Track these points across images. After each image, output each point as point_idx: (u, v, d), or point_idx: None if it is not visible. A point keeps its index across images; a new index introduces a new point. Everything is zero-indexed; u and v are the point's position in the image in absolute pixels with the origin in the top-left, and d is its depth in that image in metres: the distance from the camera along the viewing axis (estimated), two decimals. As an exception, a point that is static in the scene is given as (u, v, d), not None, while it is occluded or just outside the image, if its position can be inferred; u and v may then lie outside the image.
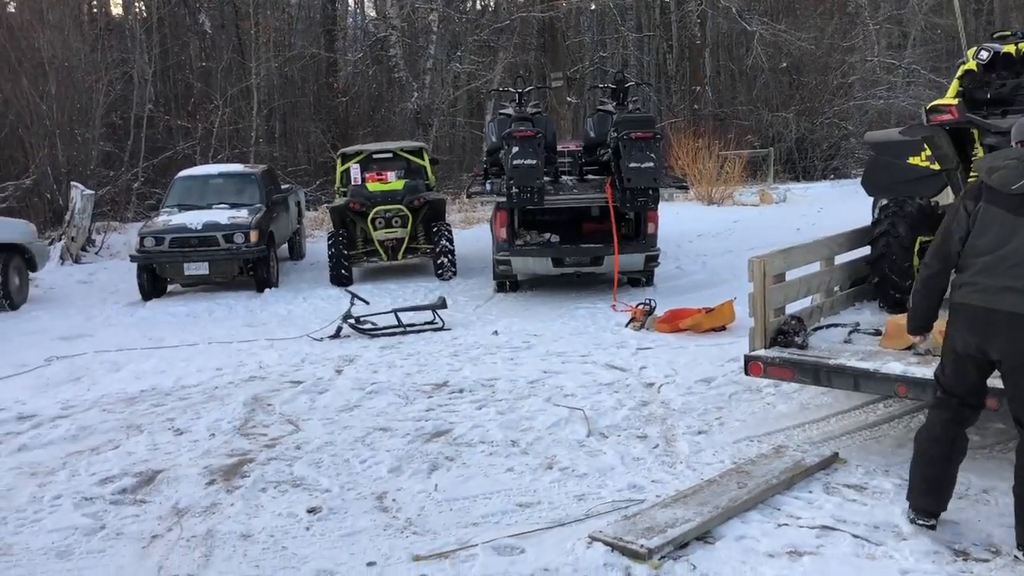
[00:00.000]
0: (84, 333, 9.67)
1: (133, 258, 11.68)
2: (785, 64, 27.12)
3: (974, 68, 5.76)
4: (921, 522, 3.93)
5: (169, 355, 8.33)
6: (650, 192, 9.65)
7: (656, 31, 31.64)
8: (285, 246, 14.21)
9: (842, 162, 25.56)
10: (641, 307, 8.78)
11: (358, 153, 13.08)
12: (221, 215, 11.88)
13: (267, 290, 11.67)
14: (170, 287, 12.05)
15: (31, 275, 12.00)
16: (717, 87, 29.47)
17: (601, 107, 11.48)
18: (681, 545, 3.82)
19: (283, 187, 14.69)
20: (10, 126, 18.17)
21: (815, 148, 26.01)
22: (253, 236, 11.55)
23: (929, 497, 3.94)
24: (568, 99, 24.77)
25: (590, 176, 10.94)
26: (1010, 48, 5.70)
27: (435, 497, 4.55)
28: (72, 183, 15.75)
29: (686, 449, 5.10)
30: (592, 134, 11.26)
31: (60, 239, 15.09)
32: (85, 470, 5.17)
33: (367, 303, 9.70)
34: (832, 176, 24.73)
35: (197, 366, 7.77)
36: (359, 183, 12.41)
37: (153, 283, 11.65)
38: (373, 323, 9.03)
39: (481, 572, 3.68)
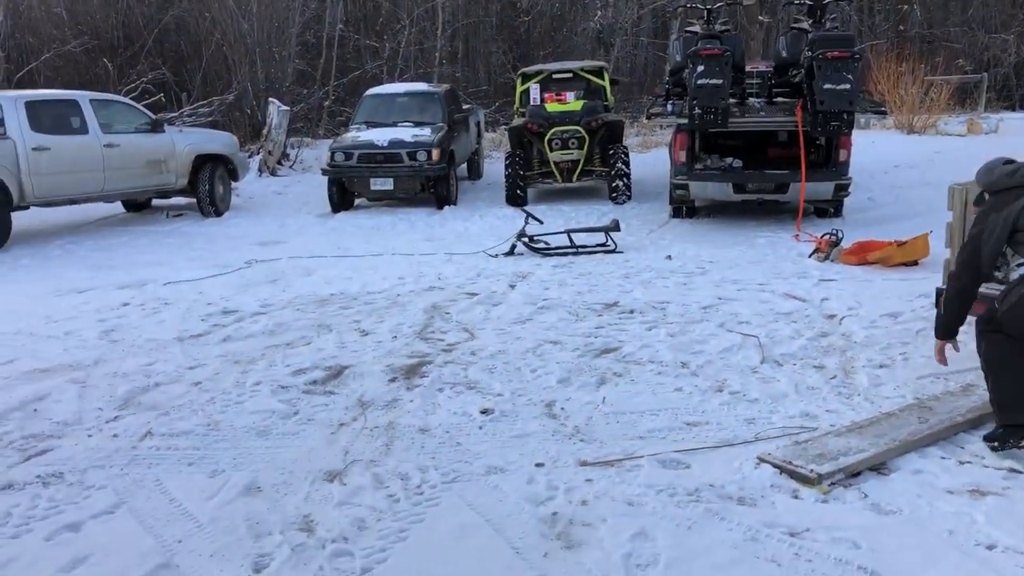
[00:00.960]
0: (279, 240, 10.41)
1: (324, 172, 12.36)
2: (1009, -21, 24.59)
3: None
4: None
5: (355, 263, 8.84)
6: (844, 116, 9.17)
7: (861, -56, 29.38)
8: (464, 165, 14.57)
9: (1069, 90, 23.14)
10: (827, 238, 8.45)
11: (538, 73, 13.12)
12: (406, 133, 12.31)
13: (446, 207, 12.07)
14: (357, 201, 12.68)
15: (233, 185, 12.96)
16: (926, 6, 27.16)
17: (795, 25, 10.91)
18: (853, 474, 3.75)
19: (464, 107, 14.99)
20: (216, 45, 19.41)
21: (1037, 74, 23.64)
22: (435, 154, 11.91)
23: None
24: (760, 18, 23.55)
25: (779, 98, 10.50)
26: None
27: (602, 409, 4.66)
28: (270, 99, 16.75)
29: (865, 382, 4.94)
30: (784, 54, 10.75)
31: (258, 152, 16.16)
32: (281, 361, 5.64)
33: (541, 223, 9.86)
34: (1056, 106, 22.47)
35: (381, 274, 8.22)
36: (538, 103, 12.48)
37: (342, 196, 12.30)
38: (546, 242, 9.18)
39: (646, 481, 3.76)
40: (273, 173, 15.77)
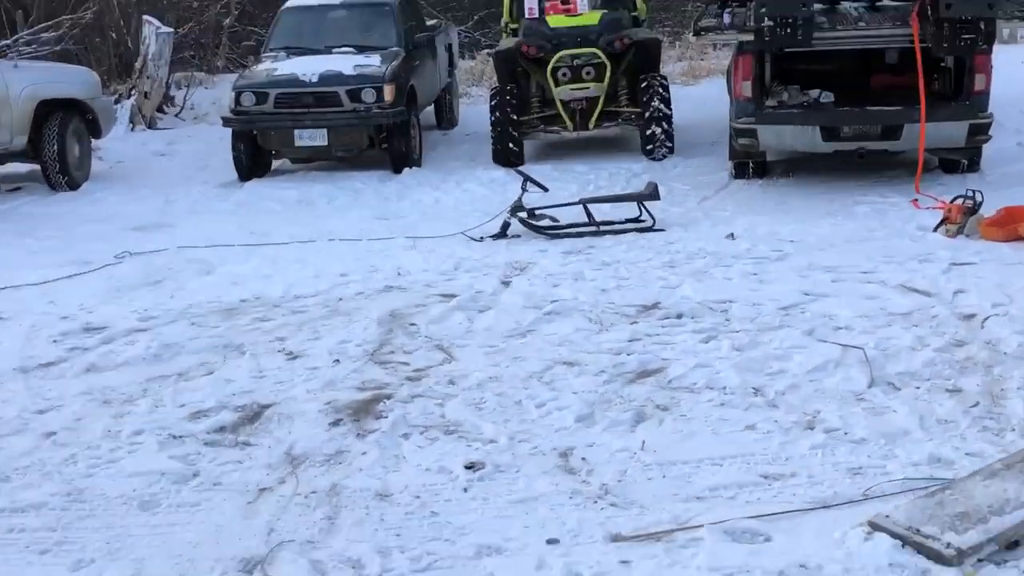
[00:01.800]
0: (164, 222, 10.42)
1: (226, 122, 12.35)
2: None
3: None
4: None
5: (276, 254, 8.86)
6: (981, 25, 9.21)
7: None
8: (431, 108, 14.58)
9: None
10: (959, 203, 8.49)
11: (536, -29, 13.12)
12: (344, 63, 12.29)
13: (406, 170, 12.08)
14: (276, 163, 12.67)
15: (94, 143, 12.93)
16: None
17: None
18: (1011, 544, 3.76)
19: (428, 23, 14.99)
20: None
21: None
22: (388, 93, 11.90)
23: None
24: None
25: (886, 3, 10.53)
26: None
27: (642, 458, 4.66)
28: (145, 18, 16.70)
29: (1021, 411, 4.96)
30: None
31: (130, 95, 16.13)
32: (171, 400, 5.63)
33: (546, 190, 9.86)
34: None
35: (314, 270, 8.22)
36: (536, 16, 12.48)
37: (254, 157, 12.30)
38: (553, 218, 9.19)
39: (708, 563, 3.76)
40: (151, 125, 15.78)
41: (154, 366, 6.22)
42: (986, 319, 6.28)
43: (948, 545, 3.70)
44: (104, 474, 4.78)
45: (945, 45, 9.46)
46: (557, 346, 6.24)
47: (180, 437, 5.15)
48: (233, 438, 5.14)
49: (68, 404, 5.64)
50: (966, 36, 9.30)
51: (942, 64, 10.22)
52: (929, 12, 9.46)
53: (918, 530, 3.81)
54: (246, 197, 11.47)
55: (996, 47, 9.92)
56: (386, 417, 5.25)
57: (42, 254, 9.20)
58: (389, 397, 5.53)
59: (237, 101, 12.16)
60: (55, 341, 6.76)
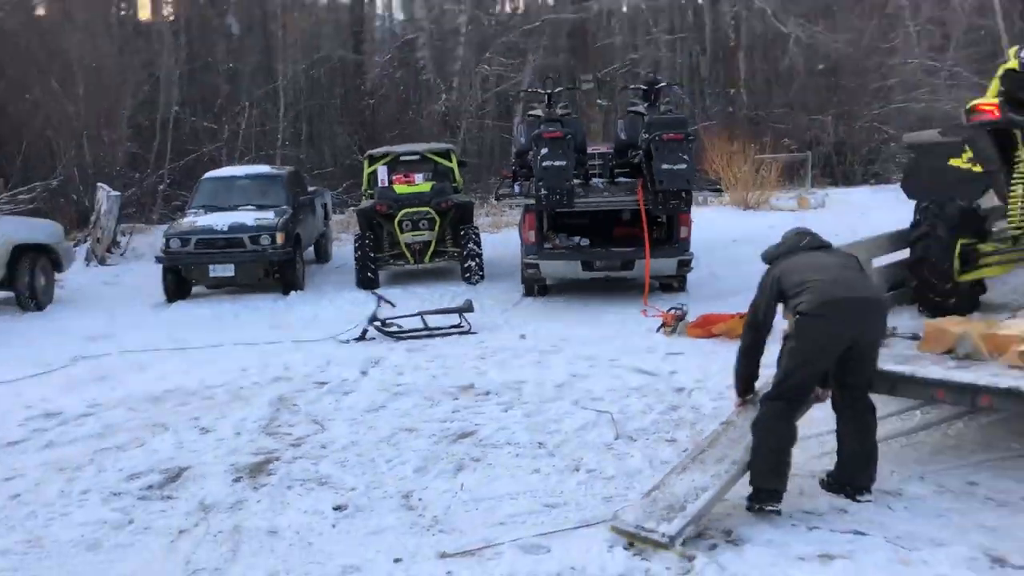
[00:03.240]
0: (109, 334, 9.86)
1: (158, 259, 11.88)
2: (822, 66, 26.97)
3: (1016, 68, 5.76)
4: (771, 507, 4.18)
5: (194, 356, 8.48)
6: (683, 194, 9.67)
7: (689, 33, 31.56)
8: (311, 249, 14.38)
9: (883, 167, 25.37)
10: (673, 312, 8.80)
11: (385, 155, 13.21)
12: (247, 216, 12.05)
13: (293, 292, 11.82)
14: (195, 289, 12.24)
15: (57, 276, 12.24)
16: (752, 90, 29.34)
17: (632, 108, 11.51)
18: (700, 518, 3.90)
19: (310, 189, 14.87)
20: (38, 127, 18.56)
21: (854, 152, 25.86)
22: (279, 238, 11.70)
23: (782, 479, 4.23)
24: (599, 101, 24.79)
25: (621, 178, 10.98)
26: (1053, 47, 5.70)
27: (461, 496, 4.62)
28: (99, 184, 16.07)
29: (687, 441, 5.11)
30: (623, 136, 11.29)
31: (86, 240, 15.39)
32: (112, 466, 5.30)
33: (393, 305, 9.82)
34: (872, 181, 24.55)
35: (222, 367, 7.90)
36: (386, 185, 12.53)
37: (178, 285, 11.84)
38: (399, 326, 9.12)
39: (507, 570, 3.74)
40: (102, 262, 15.03)
41: (99, 441, 5.85)
42: (692, 391, 6.48)
43: (663, 535, 3.79)
44: (58, 524, 4.46)
45: (660, 207, 9.87)
46: (401, 417, 6.16)
47: (118, 494, 4.84)
48: (159, 493, 4.86)
49: (30, 473, 5.25)
50: (673, 201, 9.71)
51: (659, 220, 10.63)
52: (649, 185, 9.91)
53: (642, 526, 3.87)
54: (172, 315, 10.98)
55: (694, 208, 10.39)
56: (274, 474, 5.06)
57: (13, 360, 8.53)
58: (277, 459, 5.34)
59: (167, 245, 11.74)
60: (20, 425, 6.29)
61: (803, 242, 4.67)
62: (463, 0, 24.52)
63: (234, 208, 12.47)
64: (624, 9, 31.19)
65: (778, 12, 26.62)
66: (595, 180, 10.94)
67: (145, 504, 4.68)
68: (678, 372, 7.06)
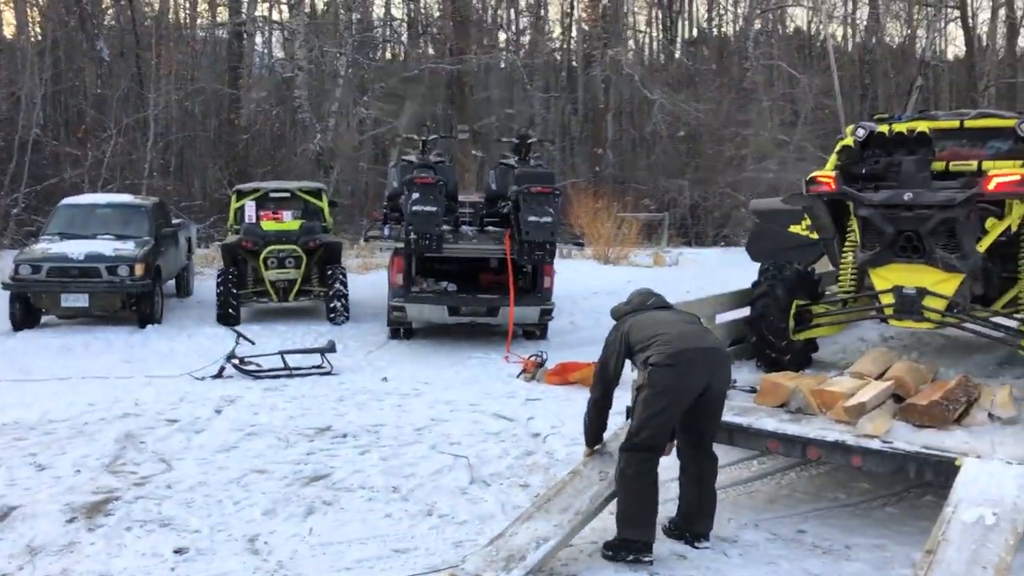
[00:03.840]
0: (-56, 362, 9.13)
1: (6, 285, 11.12)
2: (683, 133, 28.23)
3: (851, 144, 6.16)
4: (645, 558, 4.22)
5: (37, 388, 7.95)
6: (547, 246, 9.83)
7: (562, 93, 32.53)
8: (172, 282, 13.80)
9: (733, 230, 26.59)
10: (533, 359, 8.88)
11: (254, 191, 12.90)
12: (106, 246, 11.47)
13: (149, 326, 11.27)
14: (45, 318, 11.51)
15: None
16: (618, 150, 30.39)
17: (503, 161, 11.68)
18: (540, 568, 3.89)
19: (175, 221, 14.31)
20: None
21: (708, 215, 27.05)
22: (138, 269, 11.18)
23: (651, 530, 4.29)
24: (474, 152, 25.07)
25: (490, 227, 11.08)
26: (884, 128, 6.13)
27: (309, 541, 4.47)
28: (-56, 204, 14.98)
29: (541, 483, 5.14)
30: (493, 186, 11.42)
31: (-74, 262, 14.26)
32: (-69, 505, 4.87)
33: (253, 343, 9.49)
34: (723, 243, 25.71)
35: (67, 400, 7.43)
36: (253, 221, 12.20)
37: (26, 313, 11.11)
38: (258, 364, 8.84)
39: (351, 616, 3.62)
40: (-57, 286, 13.95)
41: (-81, 477, 5.37)
42: (547, 436, 6.53)
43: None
44: None
45: (525, 257, 9.99)
46: (253, 458, 5.93)
47: (-65, 535, 4.44)
48: (-18, 535, 4.48)
49: None
50: (538, 252, 9.85)
51: (524, 269, 10.75)
52: (516, 236, 10.03)
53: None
54: (17, 343, 10.26)
55: (558, 260, 10.58)
56: (113, 514, 4.77)
57: None
58: (118, 499, 5.03)
59: (16, 270, 11.01)
60: None
61: (649, 301, 4.80)
62: (344, 43, 24.40)
63: (93, 236, 11.85)
64: (502, 65, 31.86)
65: (645, 79, 27.78)
66: (465, 227, 10.99)
67: (-35, 546, 4.31)
68: (535, 417, 7.11)
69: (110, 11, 26.54)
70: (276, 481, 5.42)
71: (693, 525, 4.51)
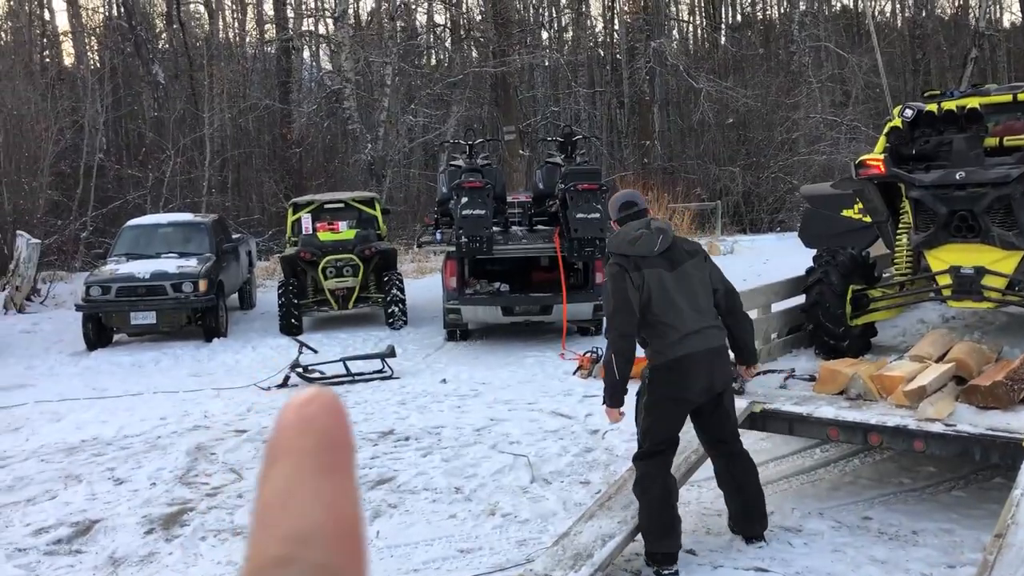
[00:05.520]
0: (25, 383, 9.49)
1: (78, 307, 11.52)
2: (731, 120, 27.87)
3: (899, 125, 6.03)
4: (667, 571, 4.06)
5: (112, 405, 8.21)
6: (597, 242, 9.82)
7: (607, 87, 32.38)
8: (235, 296, 14.12)
9: (787, 215, 26.17)
10: (589, 355, 8.88)
11: (309, 203, 13.13)
12: (170, 264, 11.80)
13: (215, 340, 11.57)
14: (116, 336, 11.88)
15: (-28, 325, 11.76)
16: (666, 141, 30.13)
17: (549, 159, 11.71)
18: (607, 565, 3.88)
19: (234, 237, 14.65)
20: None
21: (761, 201, 26.66)
22: (202, 285, 11.48)
23: (674, 539, 4.10)
24: (520, 152, 25.11)
25: (539, 226, 11.11)
26: (932, 107, 5.99)
27: (376, 544, 4.55)
28: (18, 232, 15.54)
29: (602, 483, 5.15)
30: (541, 186, 11.46)
31: (4, 288, 14.83)
32: (20, 520, 5.08)
33: (316, 352, 9.66)
34: (778, 228, 25.32)
35: (140, 416, 7.66)
36: (310, 232, 12.43)
37: (99, 332, 11.48)
38: (321, 372, 9.00)
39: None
40: (20, 310, 14.48)
41: (7, 495, 5.60)
42: (605, 432, 6.53)
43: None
44: (-43, 584, 4.24)
45: (576, 255, 10.01)
46: (320, 464, 6.05)
47: (24, 549, 4.63)
48: (68, 547, 4.67)
49: (-69, 529, 4.99)
50: (588, 249, 9.86)
51: (575, 266, 10.76)
52: (565, 233, 10.05)
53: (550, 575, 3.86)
54: (92, 363, 10.62)
55: (609, 255, 10.54)
56: (188, 525, 4.91)
57: (-80, 410, 8.16)
58: (192, 509, 5.19)
59: (87, 292, 11.39)
60: (-75, 479, 5.99)
61: (638, 233, 4.17)
62: (389, 53, 24.66)
63: (157, 256, 12.22)
64: (546, 64, 31.85)
65: (690, 68, 27.50)
66: (514, 228, 11.05)
67: (51, 559, 4.49)
68: (593, 414, 7.09)
69: (163, 35, 27.23)
70: (342, 486, 5.53)
71: (743, 528, 4.40)
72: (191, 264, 11.82)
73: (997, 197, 5.15)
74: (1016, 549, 3.41)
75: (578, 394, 7.88)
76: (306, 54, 30.96)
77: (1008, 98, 6.12)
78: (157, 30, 27.15)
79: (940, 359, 5.22)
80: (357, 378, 8.90)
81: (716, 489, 5.11)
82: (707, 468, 5.32)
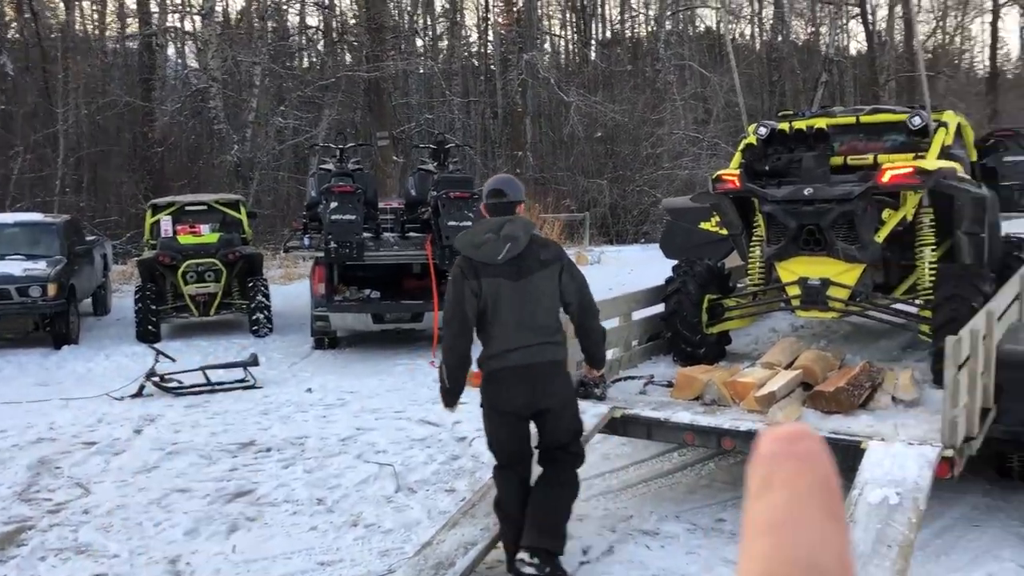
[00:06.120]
0: None
1: (-91, 311, 10.63)
2: (600, 134, 28.54)
3: (754, 143, 6.31)
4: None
5: (-56, 417, 7.59)
6: (468, 250, 9.79)
7: (481, 97, 32.57)
8: (89, 301, 13.37)
9: (651, 227, 26.98)
10: (477, 371, 8.82)
11: (170, 205, 12.59)
12: (15, 267, 11.04)
13: (65, 347, 10.90)
14: (-48, 344, 11.02)
15: None
16: (538, 153, 30.56)
17: (422, 166, 11.65)
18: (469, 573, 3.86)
19: (89, 239, 13.87)
20: None
21: (627, 213, 27.39)
22: (51, 289, 10.80)
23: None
24: (394, 158, 24.89)
25: (411, 233, 11.03)
26: (784, 126, 6.30)
27: (232, 559, 4.38)
28: None
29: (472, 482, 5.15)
30: (413, 192, 11.37)
31: None
32: None
33: (173, 360, 9.23)
34: (643, 240, 26.07)
35: (-24, 429, 7.12)
36: (170, 235, 11.91)
37: (-68, 339, 10.63)
38: (179, 381, 8.61)
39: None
40: None
41: None
42: (473, 440, 6.50)
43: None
44: None
45: (448, 262, 9.92)
46: (175, 478, 5.78)
47: None
48: None
49: None
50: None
51: (448, 274, 10.69)
52: (437, 240, 10.01)
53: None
54: (-77, 371, 9.82)
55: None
56: (26, 544, 4.59)
57: None
58: (31, 528, 4.85)
59: (-81, 296, 10.53)
60: None
61: (486, 237, 4.00)
62: (259, 53, 23.97)
63: (1, 258, 11.41)
64: (421, 71, 31.74)
65: (561, 82, 28.00)
66: (387, 234, 10.92)
67: None
68: (462, 421, 7.03)
69: (13, 24, 25.55)
70: (198, 500, 5.30)
71: (529, 538, 3.92)
72: (39, 267, 11.11)
73: (841, 213, 5.44)
74: (853, 546, 3.59)
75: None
76: (171, 51, 29.71)
77: (852, 120, 6.50)
78: (7, 18, 25.43)
79: (789, 366, 5.47)
80: (217, 388, 8.56)
81: (589, 490, 5.19)
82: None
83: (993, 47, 37.20)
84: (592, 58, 34.67)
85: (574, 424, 4.21)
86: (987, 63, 38.04)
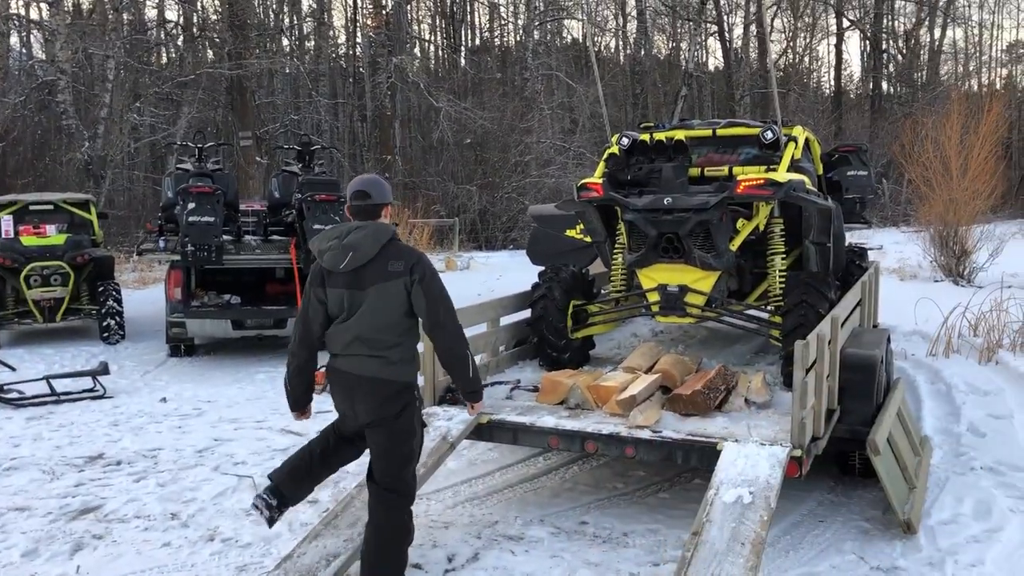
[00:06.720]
0: None
1: None
2: (469, 140, 28.65)
3: (617, 152, 6.46)
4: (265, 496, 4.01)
5: None
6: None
7: (349, 99, 32.11)
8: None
9: (520, 233, 27.27)
10: (322, 371, 8.63)
11: (12, 203, 11.75)
12: None
13: None
14: None
15: None
16: (408, 157, 30.38)
17: (286, 168, 11.35)
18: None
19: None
20: None
21: (496, 220, 27.59)
22: None
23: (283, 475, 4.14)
24: (257, 159, 24.19)
25: (275, 236, 10.72)
26: (645, 137, 6.48)
27: (76, 581, 4.11)
28: None
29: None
30: (277, 194, 11.06)
31: None
32: None
33: (14, 369, 8.67)
34: (511, 246, 26.33)
35: None
36: (11, 236, 11.13)
37: None
38: (20, 392, 8.05)
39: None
40: None
41: None
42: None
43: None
44: None
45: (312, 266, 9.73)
46: (13, 495, 5.38)
47: None
48: None
49: None
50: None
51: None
52: (301, 244, 9.74)
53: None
54: None
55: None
56: None
57: None
58: None
59: None
60: None
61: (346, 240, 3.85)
62: (113, 46, 22.76)
63: None
64: (287, 71, 31.00)
65: (430, 87, 27.94)
66: (248, 237, 10.57)
67: None
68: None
69: None
70: (39, 518, 4.95)
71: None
72: None
73: (699, 222, 5.64)
74: (709, 545, 3.71)
75: (310, 410, 7.62)
76: (14, 40, 27.83)
77: (708, 132, 6.76)
78: None
79: (649, 370, 5.62)
80: (63, 398, 8.05)
81: (444, 501, 5.17)
82: (435, 481, 5.37)
83: (838, 68, 39.66)
84: (462, 64, 34.78)
85: (390, 457, 3.90)
86: (832, 83, 40.49)
